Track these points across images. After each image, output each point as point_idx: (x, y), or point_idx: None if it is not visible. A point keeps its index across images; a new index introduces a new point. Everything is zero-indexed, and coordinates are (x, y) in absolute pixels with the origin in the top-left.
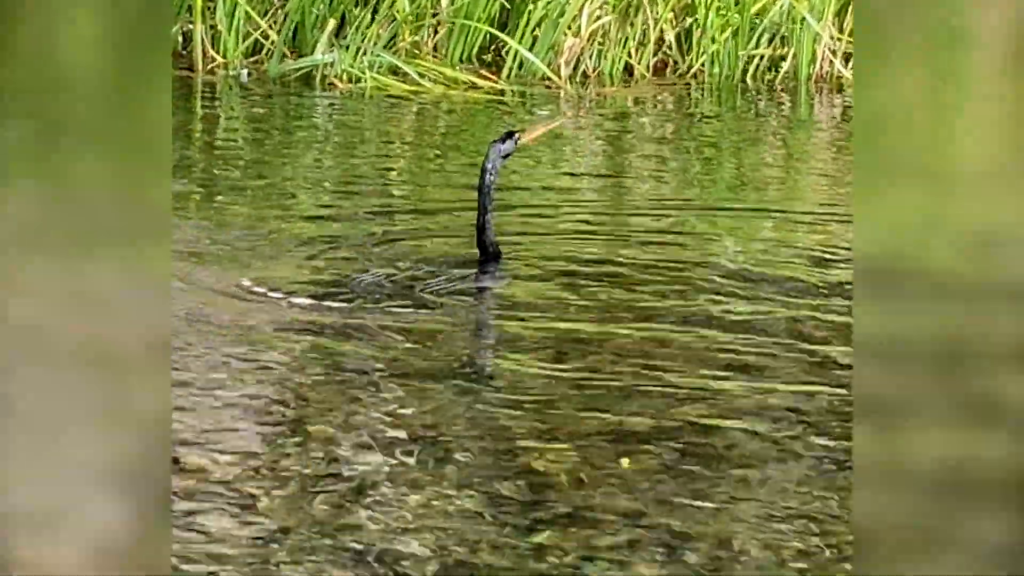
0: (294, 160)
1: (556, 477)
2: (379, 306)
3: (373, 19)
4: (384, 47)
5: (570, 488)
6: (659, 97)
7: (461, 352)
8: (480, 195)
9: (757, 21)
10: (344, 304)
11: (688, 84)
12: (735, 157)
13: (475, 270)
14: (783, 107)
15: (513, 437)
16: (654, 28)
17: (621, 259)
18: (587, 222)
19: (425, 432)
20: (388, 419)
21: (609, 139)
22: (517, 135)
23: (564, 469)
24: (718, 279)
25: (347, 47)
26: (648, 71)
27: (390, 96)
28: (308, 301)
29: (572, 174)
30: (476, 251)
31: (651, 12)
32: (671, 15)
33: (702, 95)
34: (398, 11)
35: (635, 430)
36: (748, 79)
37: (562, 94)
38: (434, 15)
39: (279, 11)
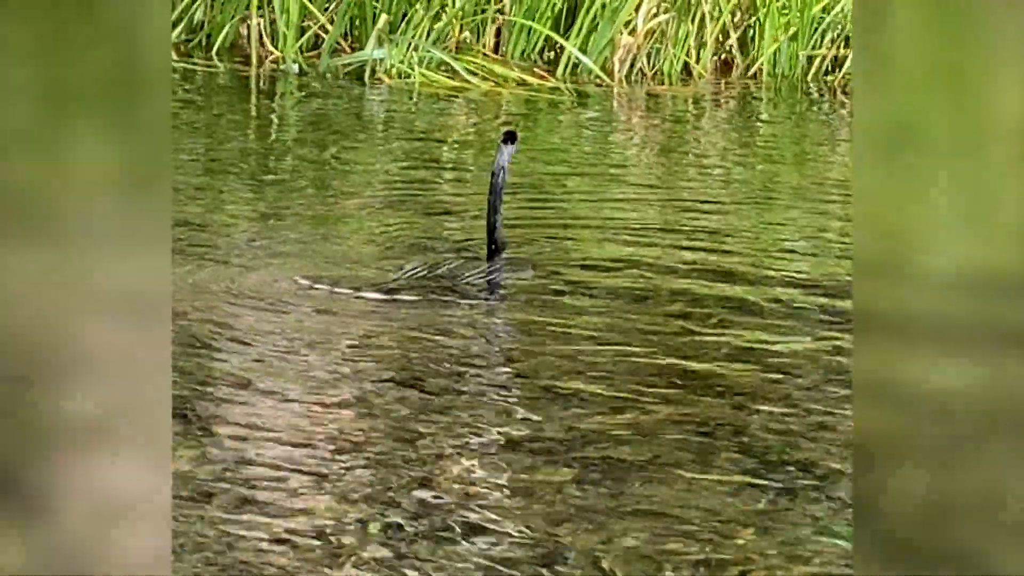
0: (324, 153)
1: None
2: (428, 298)
3: (426, 15)
4: (435, 43)
5: None
6: (718, 97)
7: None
8: (492, 195)
9: (821, 20)
10: (414, 298)
11: (748, 84)
12: (795, 162)
13: (498, 264)
14: (845, 108)
15: None
16: (713, 27)
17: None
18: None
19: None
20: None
21: (659, 139)
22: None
23: None
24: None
25: (397, 43)
26: (707, 70)
27: (436, 92)
28: (377, 295)
29: (621, 180)
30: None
31: (711, 11)
32: (730, 16)
33: (761, 95)
34: (448, 7)
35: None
36: (810, 79)
37: (615, 92)
38: (498, 12)
39: (339, 5)
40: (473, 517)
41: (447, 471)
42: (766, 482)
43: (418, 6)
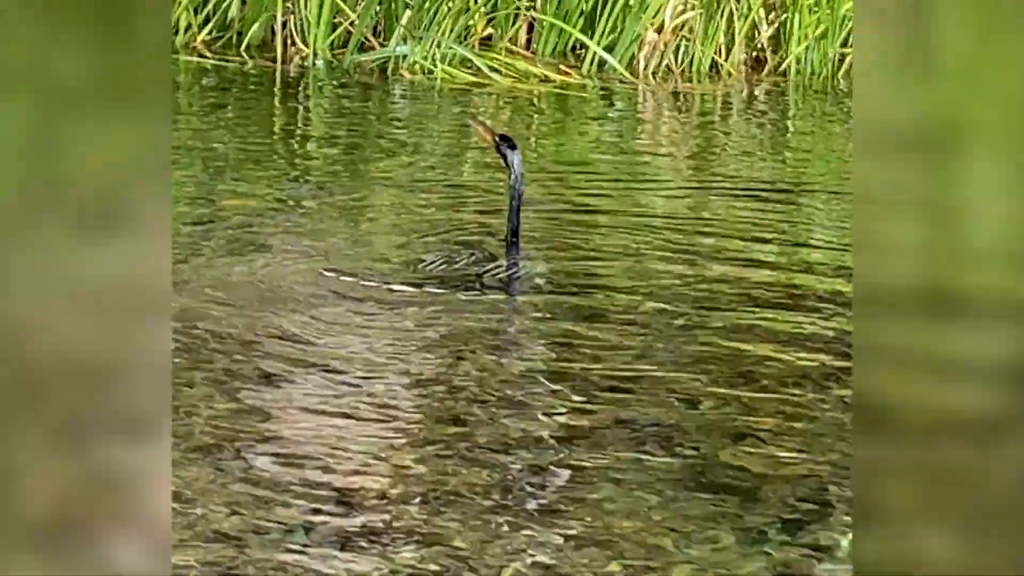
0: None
1: None
2: (457, 290)
3: (450, 12)
4: (457, 40)
5: None
6: (745, 95)
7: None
8: (514, 202)
9: (850, 18)
10: (442, 290)
11: (777, 83)
12: (822, 160)
13: (515, 258)
14: None
15: None
16: (741, 25)
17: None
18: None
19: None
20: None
21: (685, 136)
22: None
23: None
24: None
25: (420, 39)
26: (735, 68)
27: (457, 88)
28: (407, 288)
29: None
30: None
31: (739, 9)
32: (760, 14)
33: (789, 94)
34: (472, 4)
35: None
36: (840, 78)
37: (641, 89)
38: (530, 9)
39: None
40: None
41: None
42: None
43: (443, 3)
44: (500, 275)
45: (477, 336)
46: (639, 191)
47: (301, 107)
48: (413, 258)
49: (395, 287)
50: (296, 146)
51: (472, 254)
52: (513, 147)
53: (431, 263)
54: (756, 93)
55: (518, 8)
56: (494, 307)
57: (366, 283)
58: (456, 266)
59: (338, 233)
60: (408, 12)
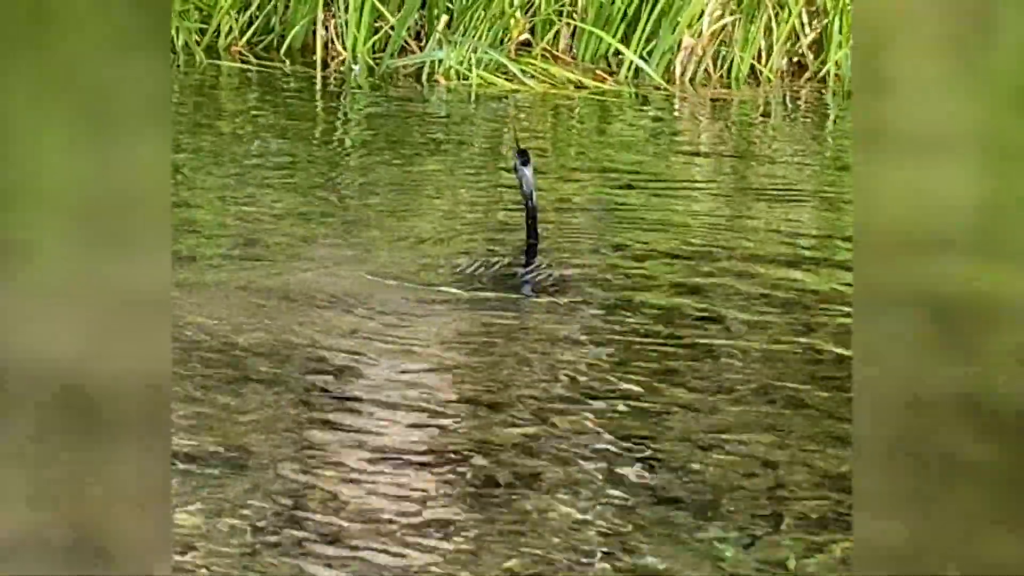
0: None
1: None
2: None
3: (485, 16)
4: (492, 45)
5: None
6: (785, 100)
7: None
8: (532, 218)
9: None
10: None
11: (818, 89)
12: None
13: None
14: None
15: None
16: (780, 31)
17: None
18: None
19: None
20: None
21: (722, 141)
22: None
23: None
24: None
25: (456, 44)
26: (775, 74)
27: (491, 94)
28: (450, 290)
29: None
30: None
31: (778, 14)
32: (801, 19)
33: (829, 100)
34: (507, 9)
35: None
36: None
37: (677, 95)
38: (570, 13)
39: (405, 6)
40: None
41: None
42: None
43: (480, 8)
44: (537, 277)
45: (515, 335)
46: (676, 193)
47: (338, 111)
48: (453, 260)
49: (438, 288)
50: (332, 150)
51: (507, 256)
52: (525, 162)
53: (470, 265)
54: (796, 99)
55: (561, 9)
56: (533, 307)
57: (407, 285)
58: (493, 268)
59: (378, 237)
60: (444, 17)
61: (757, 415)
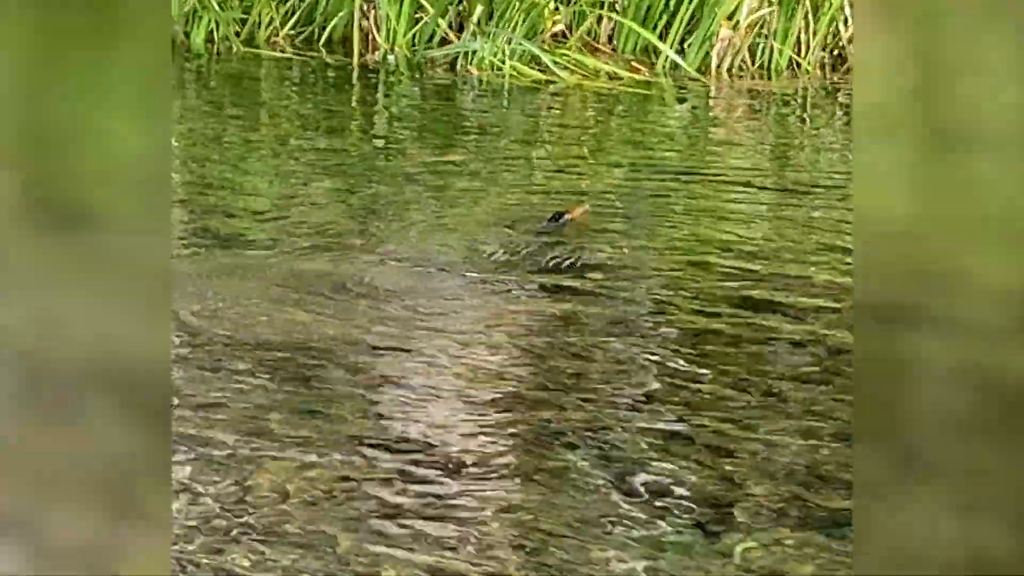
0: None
1: None
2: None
3: (519, 7)
4: (526, 36)
5: None
6: (824, 93)
7: None
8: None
9: None
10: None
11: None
12: None
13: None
14: None
15: None
16: (817, 22)
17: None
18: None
19: None
20: None
21: (760, 134)
22: (566, 216)
23: None
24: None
25: (491, 35)
26: (813, 66)
27: (524, 86)
28: (483, 275)
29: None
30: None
31: (814, 6)
32: (841, 10)
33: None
34: (542, 0)
35: None
36: None
37: (713, 88)
38: (609, 5)
39: None
40: None
41: None
42: None
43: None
44: (571, 261)
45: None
46: (711, 184)
47: (377, 102)
48: (493, 246)
49: (478, 275)
50: (367, 141)
51: (543, 241)
52: (552, 219)
53: (495, 254)
54: (835, 91)
55: (601, 1)
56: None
57: (448, 272)
58: (527, 253)
59: (416, 224)
60: (480, 8)
61: None
